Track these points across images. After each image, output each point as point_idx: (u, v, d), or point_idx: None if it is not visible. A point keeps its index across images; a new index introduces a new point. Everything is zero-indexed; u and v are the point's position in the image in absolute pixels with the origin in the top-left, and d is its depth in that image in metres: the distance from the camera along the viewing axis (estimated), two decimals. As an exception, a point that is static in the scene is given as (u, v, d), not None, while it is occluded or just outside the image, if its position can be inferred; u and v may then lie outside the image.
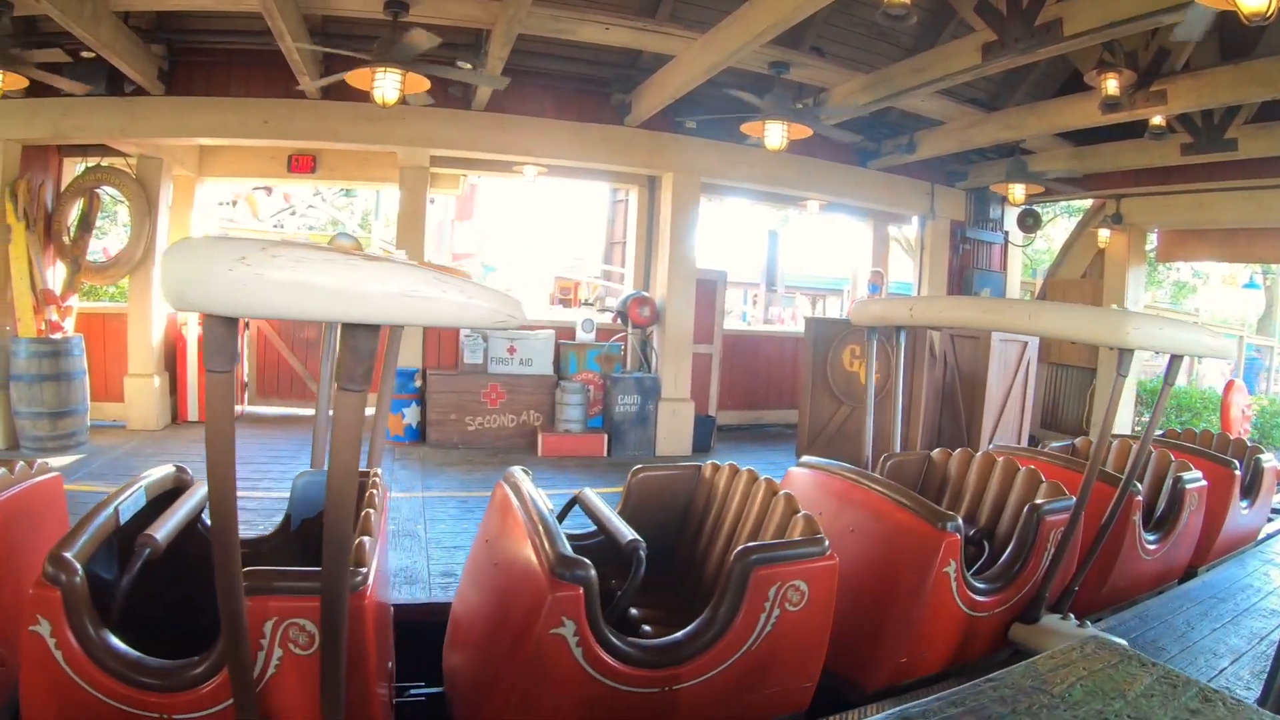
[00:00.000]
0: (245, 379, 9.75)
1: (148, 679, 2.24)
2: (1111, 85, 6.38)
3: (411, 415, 8.30)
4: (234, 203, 15.63)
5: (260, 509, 5.69)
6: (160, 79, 7.63)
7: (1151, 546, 4.74)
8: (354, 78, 6.09)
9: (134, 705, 2.23)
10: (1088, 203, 11.50)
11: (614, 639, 2.67)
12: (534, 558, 2.71)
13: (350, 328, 1.73)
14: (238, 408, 9.21)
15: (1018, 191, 9.13)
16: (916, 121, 9.21)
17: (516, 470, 3.44)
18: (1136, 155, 8.80)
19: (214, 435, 1.82)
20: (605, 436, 8.56)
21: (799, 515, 3.13)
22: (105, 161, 8.63)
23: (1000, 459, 4.36)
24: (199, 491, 3.04)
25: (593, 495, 3.48)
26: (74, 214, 8.36)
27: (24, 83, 6.35)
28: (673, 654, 2.78)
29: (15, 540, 2.95)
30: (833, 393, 8.42)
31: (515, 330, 8.58)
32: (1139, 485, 4.48)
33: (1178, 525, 4.88)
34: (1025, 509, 3.83)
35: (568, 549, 2.67)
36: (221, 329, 1.72)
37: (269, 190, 15.75)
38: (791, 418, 8.98)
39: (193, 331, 8.86)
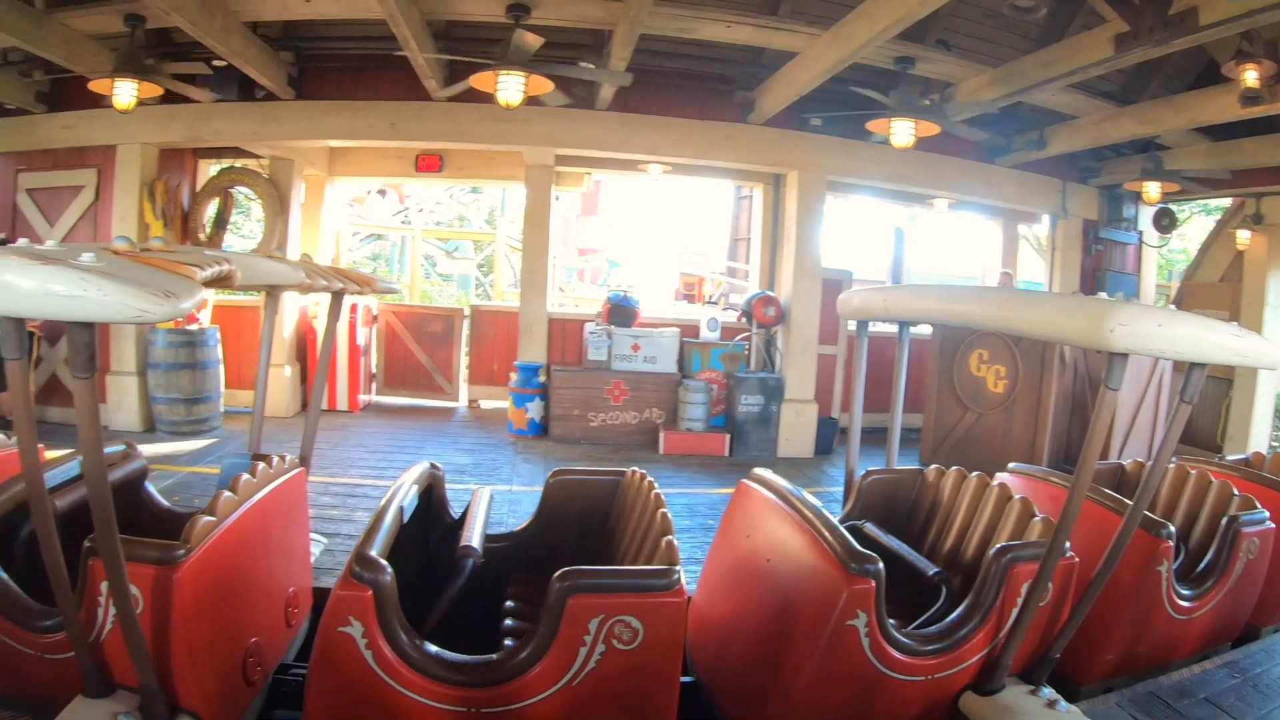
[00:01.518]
0: (374, 369, 10.15)
1: (459, 675, 2.44)
2: (1251, 77, 5.97)
3: (535, 410, 8.49)
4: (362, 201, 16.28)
5: (380, 497, 5.90)
6: (290, 84, 8.03)
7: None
8: (478, 81, 6.23)
9: (445, 701, 2.42)
10: (1226, 202, 10.78)
11: (898, 635, 2.82)
12: (821, 554, 2.83)
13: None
14: (364, 397, 9.62)
15: (1152, 190, 8.67)
16: (1047, 116, 8.79)
17: (764, 471, 3.54)
18: (1279, 152, 8.21)
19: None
20: (727, 436, 8.52)
21: (1037, 519, 3.20)
22: (239, 163, 9.21)
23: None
24: (484, 497, 3.31)
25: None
26: (209, 212, 8.93)
27: (159, 91, 6.75)
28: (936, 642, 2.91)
29: (275, 531, 3.27)
30: (959, 397, 8.17)
31: (640, 328, 8.69)
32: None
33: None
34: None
35: (855, 544, 2.78)
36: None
37: (383, 192, 16.33)
38: (917, 421, 8.75)
39: (321, 324, 9.29)
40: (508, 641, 2.84)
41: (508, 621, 3.15)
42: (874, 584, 2.68)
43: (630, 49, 6.57)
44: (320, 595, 3.86)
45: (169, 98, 7.16)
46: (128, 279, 1.88)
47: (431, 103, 7.98)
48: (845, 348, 9.60)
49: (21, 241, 2.27)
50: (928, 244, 21.50)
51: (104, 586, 2.46)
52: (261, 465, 3.31)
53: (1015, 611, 2.93)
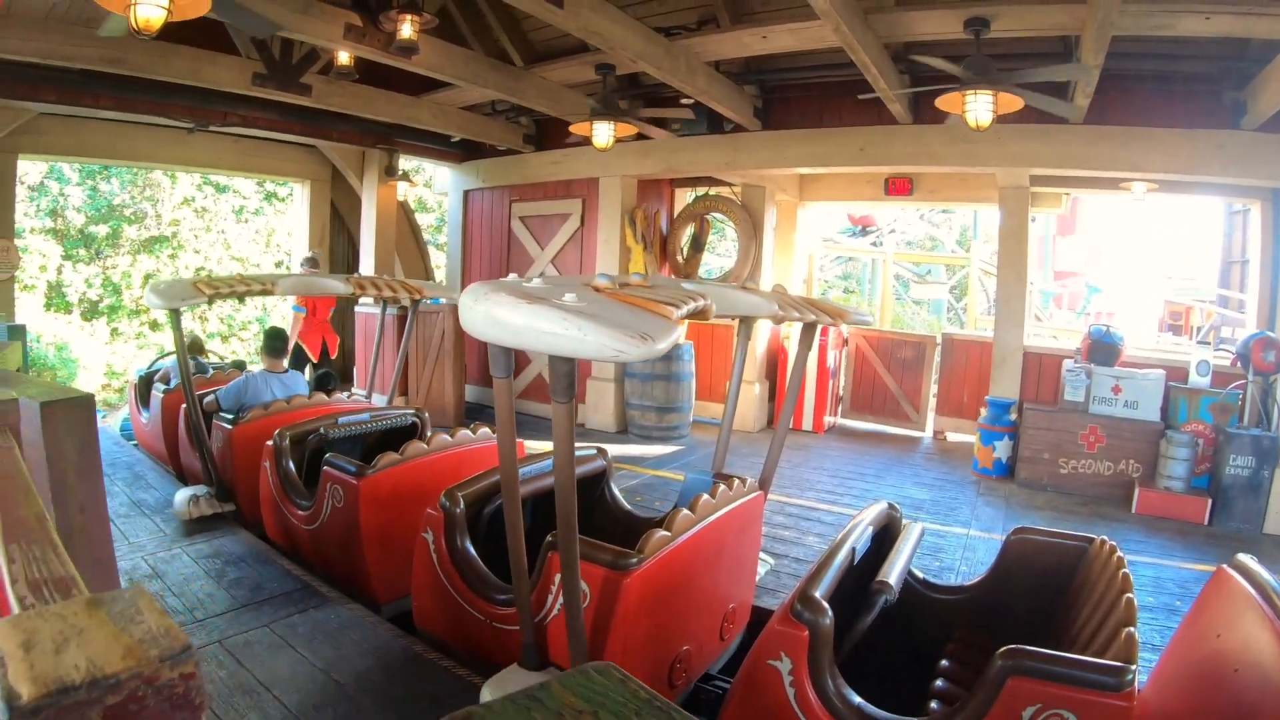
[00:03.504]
0: (841, 392, 10.27)
1: None
2: None
3: (1003, 449, 7.84)
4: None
5: (837, 524, 5.92)
6: (756, 116, 8.40)
7: None
8: (944, 102, 5.93)
9: None
10: None
11: None
12: None
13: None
14: (830, 419, 9.77)
15: None
16: None
17: (1249, 559, 2.99)
18: None
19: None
20: (1209, 501, 6.90)
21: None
22: (714, 190, 9.89)
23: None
24: (913, 532, 3.25)
25: None
26: (686, 237, 9.77)
27: (634, 130, 7.47)
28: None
29: (726, 549, 3.54)
30: None
31: (1122, 368, 7.57)
32: None
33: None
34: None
35: None
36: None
37: (863, 227, 16.38)
38: None
39: (793, 345, 9.59)
40: (934, 704, 2.67)
41: (939, 682, 2.93)
42: None
43: (1101, 54, 5.71)
44: (758, 615, 3.99)
45: (648, 134, 7.92)
46: (607, 320, 2.08)
47: (898, 126, 7.81)
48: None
49: (511, 277, 2.68)
50: None
51: (557, 578, 2.80)
52: (722, 486, 3.51)
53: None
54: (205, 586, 4.21)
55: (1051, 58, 6.77)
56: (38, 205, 15.67)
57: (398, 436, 4.88)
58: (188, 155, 10.05)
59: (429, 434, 4.76)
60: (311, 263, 10.05)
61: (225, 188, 17.42)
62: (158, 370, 7.48)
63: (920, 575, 3.34)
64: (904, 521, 3.38)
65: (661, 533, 3.01)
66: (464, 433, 4.71)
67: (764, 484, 4.01)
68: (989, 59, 5.61)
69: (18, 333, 6.55)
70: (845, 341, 10.12)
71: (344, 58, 6.92)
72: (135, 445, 7.57)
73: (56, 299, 15.60)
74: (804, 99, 8.40)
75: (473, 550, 3.41)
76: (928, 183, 9.60)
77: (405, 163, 11.08)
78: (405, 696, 3.18)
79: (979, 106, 5.73)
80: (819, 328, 3.80)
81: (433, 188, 16.50)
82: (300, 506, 4.59)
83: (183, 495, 5.38)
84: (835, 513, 6.31)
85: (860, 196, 10.36)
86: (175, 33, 6.55)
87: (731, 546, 3.60)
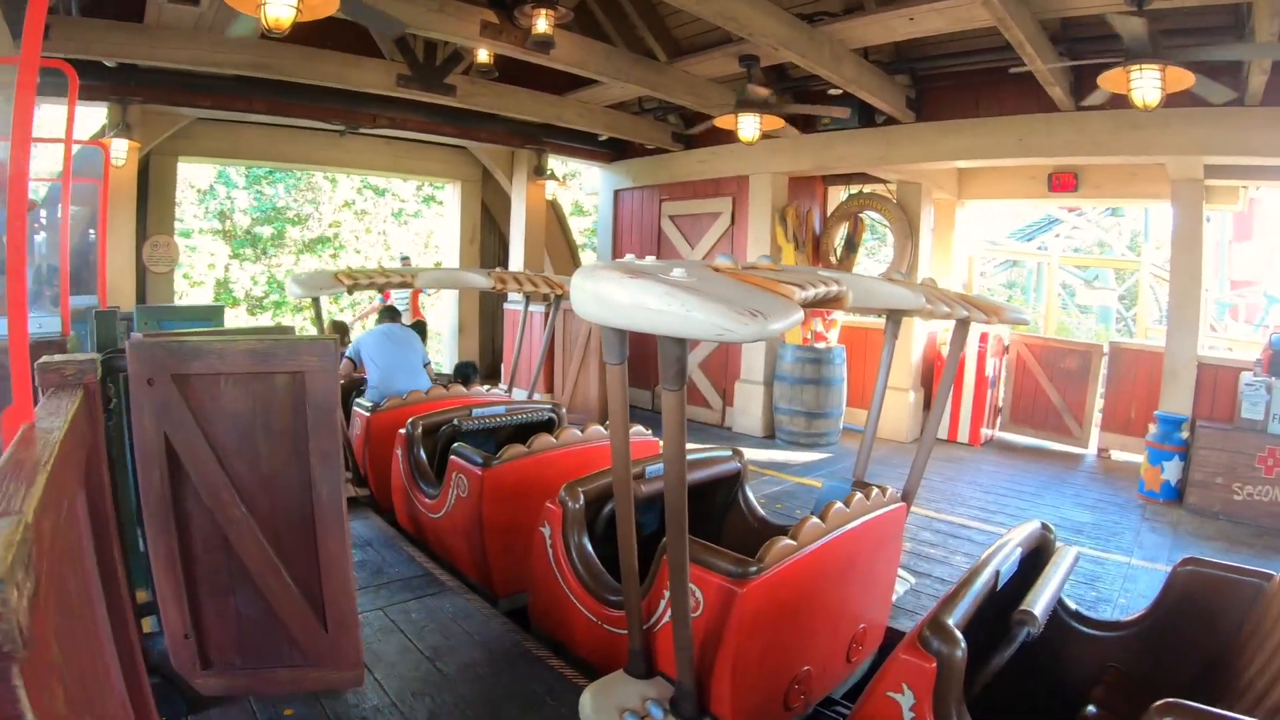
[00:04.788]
0: (999, 403, 9.58)
1: None
2: None
3: (1172, 471, 6.99)
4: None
5: (987, 544, 5.45)
6: (909, 107, 7.93)
7: None
8: (1107, 80, 5.32)
9: None
10: None
11: None
12: None
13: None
14: (987, 431, 9.12)
15: None
16: None
17: None
18: None
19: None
20: None
21: None
22: (867, 188, 9.45)
23: None
24: (1066, 557, 2.85)
25: None
26: (839, 236, 9.32)
27: (781, 123, 7.19)
28: None
29: (859, 564, 3.28)
30: None
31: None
32: None
33: None
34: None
35: None
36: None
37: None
38: None
39: (948, 351, 9.03)
40: None
41: None
42: None
43: (1278, 22, 5.00)
44: (891, 637, 3.66)
45: (794, 127, 7.65)
46: (715, 296, 1.89)
47: (1059, 114, 7.14)
48: None
49: (628, 256, 2.50)
50: None
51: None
52: (859, 495, 3.23)
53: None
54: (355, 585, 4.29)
55: (1219, 32, 6.03)
56: (206, 208, 17.10)
57: (532, 431, 4.80)
58: (341, 157, 10.52)
59: (568, 429, 4.67)
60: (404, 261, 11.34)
61: (384, 191, 18.36)
62: None
63: (1071, 605, 2.90)
64: (1057, 544, 2.97)
65: (786, 541, 2.76)
66: (595, 428, 4.61)
67: (907, 496, 3.67)
68: (1156, 33, 5.01)
69: (217, 313, 7.14)
70: (1005, 349, 9.43)
71: (483, 56, 7.04)
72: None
73: (224, 294, 16.90)
74: (958, 88, 7.88)
75: (589, 548, 3.28)
76: (1093, 178, 8.74)
77: (562, 168, 11.27)
78: (506, 692, 3.08)
79: (1146, 84, 5.09)
80: (974, 328, 3.42)
81: (582, 187, 16.73)
82: (428, 495, 4.61)
83: (318, 479, 5.53)
84: (986, 531, 5.80)
85: (1022, 194, 9.59)
86: (321, 37, 6.95)
87: (865, 561, 3.30)
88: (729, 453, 3.98)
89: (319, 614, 2.87)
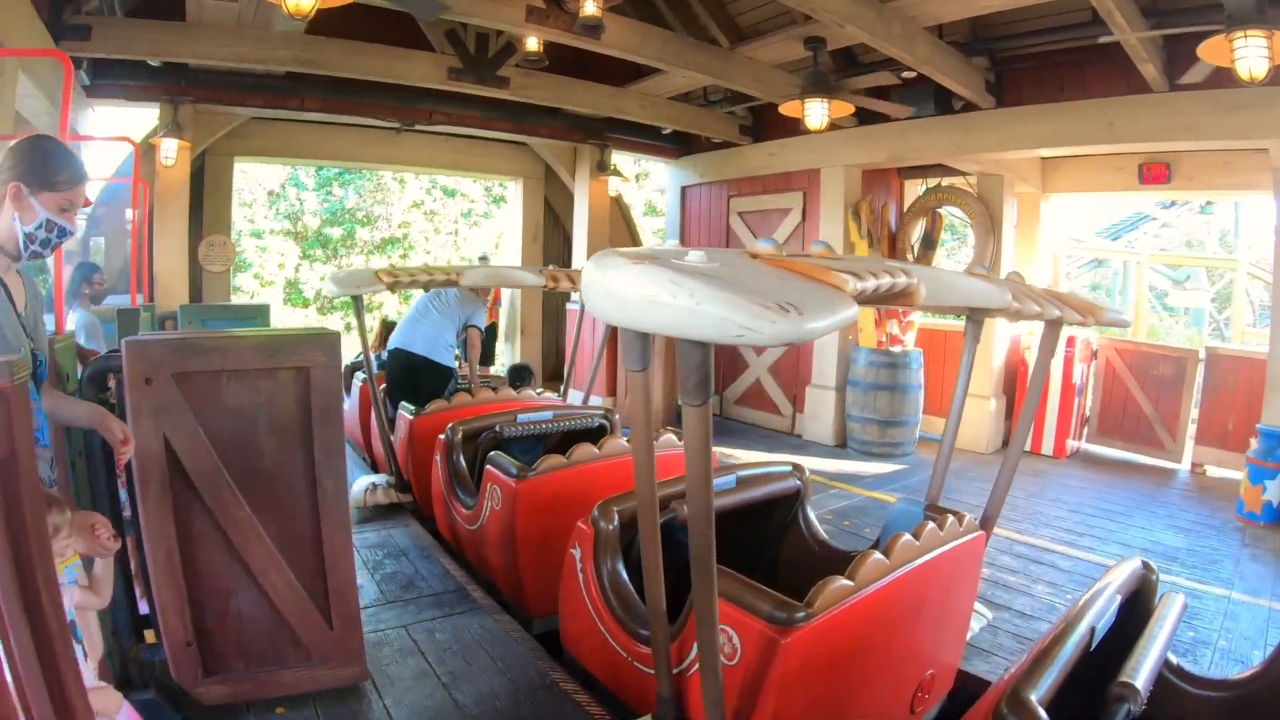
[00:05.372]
0: (1087, 413, 8.93)
1: None
2: None
3: (1275, 491, 6.25)
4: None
5: (1073, 571, 4.94)
6: (989, 91, 7.40)
7: None
8: (1207, 50, 4.76)
9: None
10: None
11: None
12: None
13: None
14: (1073, 443, 8.50)
15: None
16: None
17: None
18: None
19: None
20: None
21: None
22: (946, 181, 8.89)
23: None
24: (1171, 609, 2.33)
25: None
26: (916, 233, 8.77)
27: (850, 109, 6.79)
28: None
29: (929, 604, 2.90)
30: None
31: None
32: None
33: None
34: None
35: None
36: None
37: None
38: None
39: (1032, 355, 8.43)
40: None
41: None
42: None
43: None
44: (963, 681, 3.24)
45: (866, 119, 7.32)
46: (735, 286, 1.49)
47: (1153, 95, 6.50)
48: None
49: (670, 242, 2.15)
50: None
51: None
52: (931, 525, 2.82)
53: None
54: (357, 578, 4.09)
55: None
56: (277, 209, 17.37)
57: (583, 439, 4.49)
58: (400, 155, 10.46)
59: (618, 438, 4.34)
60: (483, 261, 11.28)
61: (454, 191, 18.40)
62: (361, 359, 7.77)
63: (1174, 661, 2.41)
64: (1158, 585, 2.49)
65: (841, 581, 2.37)
66: (667, 437, 4.30)
67: (986, 522, 3.22)
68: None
69: (263, 312, 6.98)
70: (1094, 354, 8.78)
71: (532, 44, 6.83)
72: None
73: (294, 295, 17.14)
74: (1040, 69, 7.29)
75: (624, 575, 2.94)
76: (1186, 168, 7.98)
77: (634, 167, 11.01)
78: (522, 728, 2.81)
79: (1251, 53, 4.51)
80: (1064, 330, 2.95)
81: (654, 187, 16.46)
82: (465, 505, 4.37)
83: (360, 483, 5.36)
84: (1073, 557, 5.24)
85: (1111, 186, 8.88)
86: (368, 31, 6.87)
87: (936, 600, 2.89)
88: (788, 468, 3.59)
89: (323, 610, 2.88)
